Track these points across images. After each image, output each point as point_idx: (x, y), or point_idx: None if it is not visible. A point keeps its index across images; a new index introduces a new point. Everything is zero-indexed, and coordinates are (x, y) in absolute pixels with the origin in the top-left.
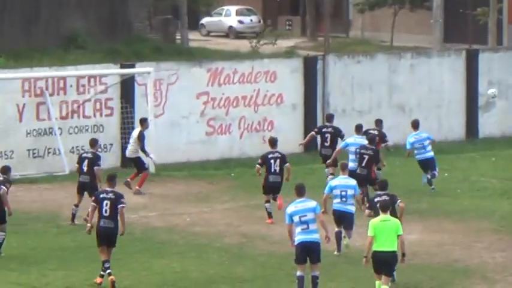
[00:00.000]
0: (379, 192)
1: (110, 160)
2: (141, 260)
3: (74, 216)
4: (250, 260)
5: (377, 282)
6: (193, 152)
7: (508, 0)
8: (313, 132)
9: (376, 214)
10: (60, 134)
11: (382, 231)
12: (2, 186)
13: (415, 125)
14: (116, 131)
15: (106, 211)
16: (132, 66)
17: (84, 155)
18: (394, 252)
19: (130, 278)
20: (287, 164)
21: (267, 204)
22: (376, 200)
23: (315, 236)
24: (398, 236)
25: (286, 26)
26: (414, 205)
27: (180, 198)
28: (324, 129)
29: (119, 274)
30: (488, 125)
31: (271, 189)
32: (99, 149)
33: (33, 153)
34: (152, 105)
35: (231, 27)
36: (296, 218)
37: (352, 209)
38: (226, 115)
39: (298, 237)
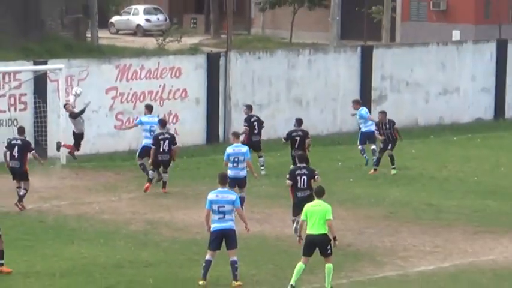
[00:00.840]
0: (299, 165)
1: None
2: (53, 247)
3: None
4: (154, 246)
5: (299, 264)
6: (102, 144)
7: None
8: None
9: (295, 185)
10: None
11: (312, 216)
12: None
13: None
14: (30, 125)
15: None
16: (45, 63)
17: (14, 141)
18: (323, 234)
19: (42, 264)
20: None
21: None
22: (296, 172)
23: (230, 224)
24: (327, 220)
25: (191, 24)
26: None
27: (89, 187)
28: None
29: (32, 260)
30: None
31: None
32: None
33: None
34: (64, 100)
35: (138, 25)
36: (215, 207)
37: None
38: (133, 109)
39: (214, 225)
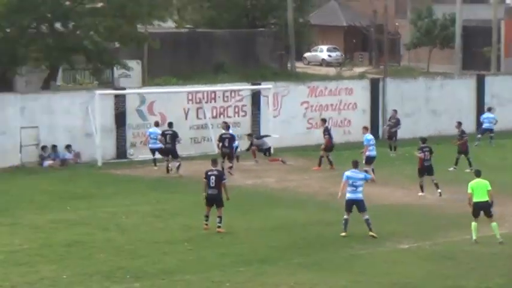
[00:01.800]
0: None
1: (242, 145)
2: (264, 210)
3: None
4: (334, 211)
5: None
6: (299, 140)
7: (505, 40)
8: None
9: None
10: (212, 128)
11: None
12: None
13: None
14: (248, 127)
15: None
16: (259, 84)
17: (224, 135)
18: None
19: (257, 222)
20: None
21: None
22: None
23: (359, 195)
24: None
25: (359, 58)
26: None
27: (289, 170)
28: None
29: (251, 219)
30: None
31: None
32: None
33: (194, 140)
34: (272, 110)
35: (323, 59)
36: (349, 181)
37: None
38: (320, 116)
39: (348, 195)
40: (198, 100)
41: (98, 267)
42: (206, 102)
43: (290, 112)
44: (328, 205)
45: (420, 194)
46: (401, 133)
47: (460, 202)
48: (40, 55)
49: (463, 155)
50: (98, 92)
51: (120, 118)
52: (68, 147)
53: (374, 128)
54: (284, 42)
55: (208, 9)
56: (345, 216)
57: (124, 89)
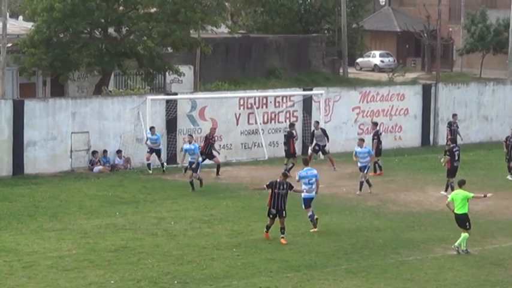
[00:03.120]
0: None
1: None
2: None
3: None
4: (383, 216)
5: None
6: (349, 145)
7: None
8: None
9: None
10: (263, 133)
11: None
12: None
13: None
14: (299, 132)
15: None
16: (310, 89)
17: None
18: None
19: (305, 227)
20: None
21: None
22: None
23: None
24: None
25: (411, 64)
26: None
27: (339, 175)
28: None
29: (298, 224)
30: None
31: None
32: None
33: (245, 146)
34: (323, 115)
35: (375, 65)
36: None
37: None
38: (371, 121)
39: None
40: (249, 105)
41: (146, 272)
42: (257, 108)
43: (341, 117)
44: (377, 211)
45: (443, 193)
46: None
47: (509, 209)
48: (92, 60)
49: None
50: (149, 97)
51: (171, 123)
52: (119, 152)
53: (426, 137)
54: (337, 47)
55: (261, 14)
56: (309, 213)
57: (175, 94)
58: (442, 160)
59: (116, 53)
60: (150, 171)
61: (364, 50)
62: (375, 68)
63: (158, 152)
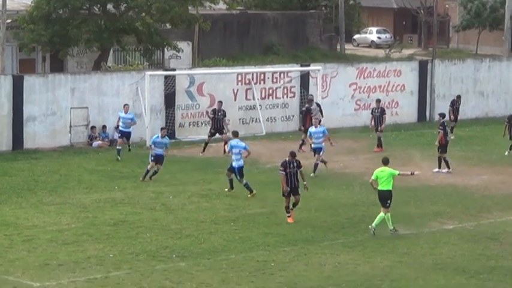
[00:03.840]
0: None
1: (292, 126)
2: (311, 191)
3: None
4: None
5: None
6: (345, 121)
7: None
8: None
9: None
10: (260, 109)
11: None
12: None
13: None
14: (296, 108)
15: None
16: (308, 65)
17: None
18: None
19: (303, 203)
20: None
21: None
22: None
23: (239, 163)
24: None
25: (408, 41)
26: None
27: (337, 151)
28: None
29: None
30: None
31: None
32: None
33: (243, 121)
34: (320, 91)
35: (372, 41)
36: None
37: None
38: (367, 97)
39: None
40: (247, 81)
41: (144, 246)
42: (255, 84)
43: (338, 93)
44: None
45: (437, 170)
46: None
47: (504, 184)
48: (91, 36)
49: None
50: (148, 73)
51: (169, 99)
52: (117, 128)
53: (422, 113)
54: (334, 24)
55: None
56: (244, 182)
57: (174, 70)
58: (451, 137)
59: (115, 29)
60: (119, 158)
61: (361, 26)
62: (372, 45)
63: (128, 135)
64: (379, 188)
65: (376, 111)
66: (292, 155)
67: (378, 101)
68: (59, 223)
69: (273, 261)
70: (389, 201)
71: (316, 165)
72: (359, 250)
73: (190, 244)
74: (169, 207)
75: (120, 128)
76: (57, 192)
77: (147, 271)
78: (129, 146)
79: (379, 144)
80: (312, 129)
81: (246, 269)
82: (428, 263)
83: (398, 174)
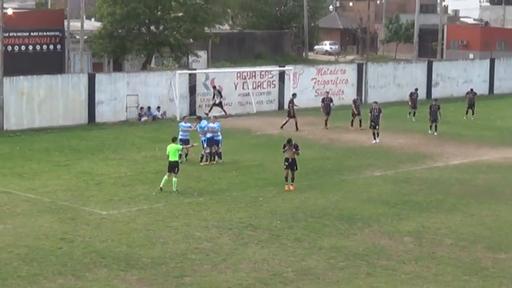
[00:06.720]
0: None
1: (273, 107)
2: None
3: None
4: (331, 150)
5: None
6: (308, 103)
7: (447, 38)
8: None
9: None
10: (252, 96)
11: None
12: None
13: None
14: (276, 95)
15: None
16: (284, 66)
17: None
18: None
19: (280, 158)
20: None
21: None
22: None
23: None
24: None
25: (350, 50)
26: None
27: (303, 123)
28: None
29: (276, 156)
30: None
31: None
32: None
33: (240, 103)
34: (292, 84)
35: (326, 50)
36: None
37: None
38: (323, 88)
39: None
40: (243, 77)
41: (175, 187)
42: (249, 78)
43: (304, 85)
44: (327, 146)
45: (374, 141)
46: (376, 98)
47: (415, 145)
48: (140, 47)
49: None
50: (178, 71)
51: (192, 89)
52: (158, 108)
53: (358, 95)
54: (301, 39)
55: (251, 17)
56: (208, 151)
57: (195, 69)
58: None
59: (156, 43)
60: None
61: (319, 40)
62: (326, 53)
63: (187, 142)
64: (169, 159)
65: (375, 111)
66: (288, 141)
67: (326, 92)
68: (118, 172)
69: (261, 196)
70: (176, 169)
71: (202, 156)
72: (318, 189)
73: (206, 186)
74: (193, 161)
75: (180, 136)
76: (117, 151)
77: (178, 203)
78: (186, 154)
79: (360, 124)
80: (203, 123)
81: (243, 201)
82: (364, 198)
83: (182, 149)
